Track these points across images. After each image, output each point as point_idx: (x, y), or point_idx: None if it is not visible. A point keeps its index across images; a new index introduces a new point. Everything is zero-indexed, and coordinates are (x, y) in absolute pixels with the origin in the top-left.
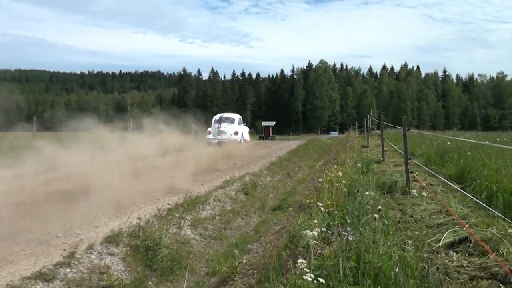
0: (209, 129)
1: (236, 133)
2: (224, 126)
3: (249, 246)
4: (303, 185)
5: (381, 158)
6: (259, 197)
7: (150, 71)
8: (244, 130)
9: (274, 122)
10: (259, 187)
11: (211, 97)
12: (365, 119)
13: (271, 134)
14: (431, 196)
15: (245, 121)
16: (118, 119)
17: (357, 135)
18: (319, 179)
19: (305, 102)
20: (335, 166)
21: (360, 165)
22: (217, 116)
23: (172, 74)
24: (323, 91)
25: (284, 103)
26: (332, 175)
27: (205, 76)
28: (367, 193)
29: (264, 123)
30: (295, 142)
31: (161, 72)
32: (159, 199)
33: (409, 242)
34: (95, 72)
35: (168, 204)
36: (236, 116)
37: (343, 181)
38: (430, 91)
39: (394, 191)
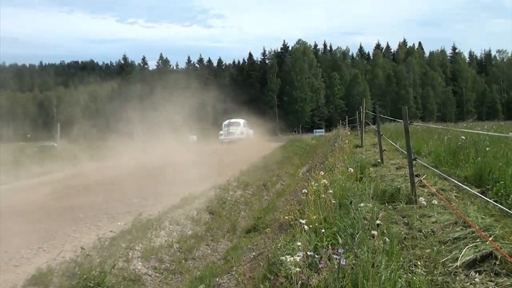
0: (220, 132)
1: (242, 133)
2: (232, 129)
3: (217, 279)
4: (283, 198)
5: (379, 160)
6: (228, 217)
7: (80, 62)
8: (249, 132)
9: (243, 121)
10: (228, 203)
11: (161, 91)
12: (357, 112)
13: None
14: (444, 205)
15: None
16: (40, 125)
17: (348, 132)
18: (303, 190)
19: (281, 93)
20: (322, 173)
21: (352, 170)
22: (226, 122)
23: (109, 64)
24: (303, 79)
25: (255, 95)
26: (319, 184)
27: (152, 65)
28: (362, 204)
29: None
30: (270, 145)
31: (95, 62)
32: (99, 225)
33: (419, 263)
34: (7, 65)
35: (111, 231)
36: (241, 121)
37: (332, 191)
38: (436, 73)
39: (396, 200)
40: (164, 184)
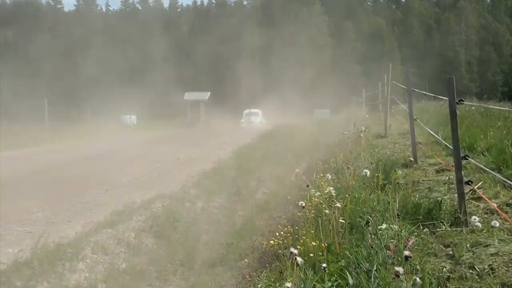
0: (242, 120)
1: (260, 122)
2: (253, 118)
3: None
4: (266, 215)
5: (411, 158)
6: (182, 242)
7: None
8: (266, 121)
9: (209, 93)
10: (183, 222)
11: (81, 48)
12: (380, 84)
13: (202, 118)
14: (509, 228)
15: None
16: None
17: (366, 115)
18: (298, 202)
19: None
20: (327, 176)
21: (368, 173)
22: (246, 111)
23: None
24: (299, 32)
25: (226, 56)
26: (321, 193)
27: (69, 5)
28: (384, 226)
29: (189, 96)
30: (250, 131)
31: None
32: None
33: None
34: None
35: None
36: (260, 111)
37: (341, 205)
38: (503, 26)
39: (436, 220)
40: (86, 188)
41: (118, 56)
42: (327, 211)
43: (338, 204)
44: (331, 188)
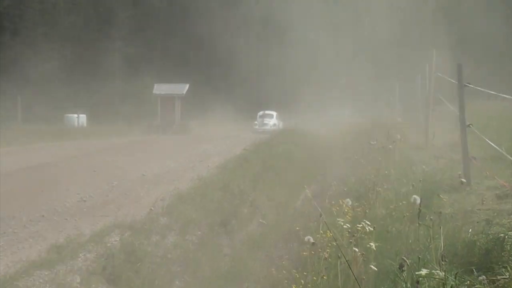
0: (255, 122)
1: (274, 125)
2: (266, 120)
3: None
4: (262, 253)
5: (462, 179)
6: None
7: None
8: (280, 124)
9: (187, 86)
10: (148, 261)
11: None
12: (420, 77)
13: (178, 119)
14: None
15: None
16: None
17: (399, 118)
18: (305, 238)
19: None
20: (347, 202)
21: (391, 198)
22: (260, 113)
23: None
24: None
25: (207, 38)
26: (340, 223)
27: None
28: (424, 271)
29: (158, 90)
30: (241, 138)
31: None
32: None
33: None
34: None
35: None
36: (274, 113)
37: (366, 240)
38: None
39: (496, 264)
40: (13, 213)
41: (59, 36)
42: (349, 248)
43: (366, 240)
44: (351, 219)
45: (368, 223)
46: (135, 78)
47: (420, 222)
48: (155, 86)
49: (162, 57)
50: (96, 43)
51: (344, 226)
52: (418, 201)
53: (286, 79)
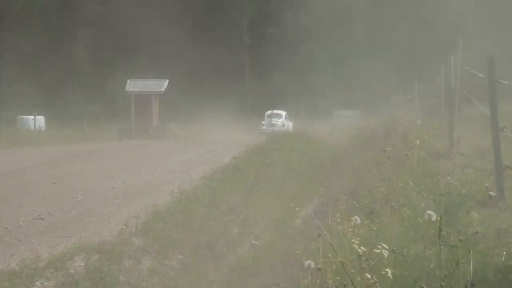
0: (263, 122)
1: (283, 125)
2: (274, 120)
3: None
4: (255, 280)
5: (491, 192)
6: None
7: None
8: (289, 124)
9: (166, 83)
10: None
11: None
12: (443, 71)
13: (156, 122)
14: None
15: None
16: None
17: (418, 121)
18: (305, 263)
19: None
20: (355, 220)
21: (428, 214)
22: (269, 112)
23: None
24: None
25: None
26: (347, 248)
27: None
28: None
29: (132, 86)
30: (232, 143)
31: None
32: None
33: None
34: None
35: None
36: (283, 113)
37: (377, 265)
38: None
39: None
40: None
41: (12, 23)
42: (358, 278)
43: (380, 266)
44: (360, 240)
45: (386, 246)
46: (105, 73)
47: (442, 244)
48: (128, 82)
49: (136, 48)
50: (58, 30)
51: (358, 250)
52: (433, 217)
53: (290, 77)
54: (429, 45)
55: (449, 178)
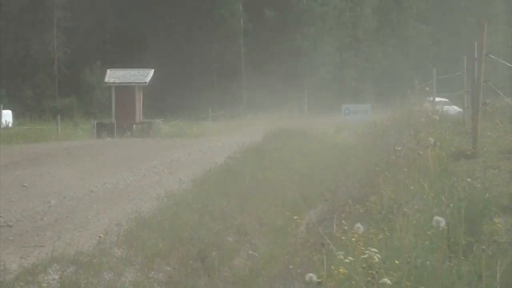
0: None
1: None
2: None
3: None
4: None
5: None
6: None
7: None
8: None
9: (151, 72)
10: None
11: None
12: (466, 59)
13: (139, 117)
14: None
15: None
16: None
17: (436, 116)
18: (306, 276)
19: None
20: (357, 228)
21: (445, 222)
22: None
23: None
24: None
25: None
26: (356, 259)
27: None
28: None
29: (112, 77)
30: (225, 141)
31: None
32: None
33: None
34: None
35: None
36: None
37: (390, 280)
38: None
39: None
40: None
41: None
42: None
43: (387, 280)
44: (372, 251)
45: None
46: (81, 61)
47: (464, 255)
48: (108, 72)
49: (117, 33)
50: (27, 11)
51: (365, 261)
52: (443, 223)
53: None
54: (450, 31)
55: (470, 180)
